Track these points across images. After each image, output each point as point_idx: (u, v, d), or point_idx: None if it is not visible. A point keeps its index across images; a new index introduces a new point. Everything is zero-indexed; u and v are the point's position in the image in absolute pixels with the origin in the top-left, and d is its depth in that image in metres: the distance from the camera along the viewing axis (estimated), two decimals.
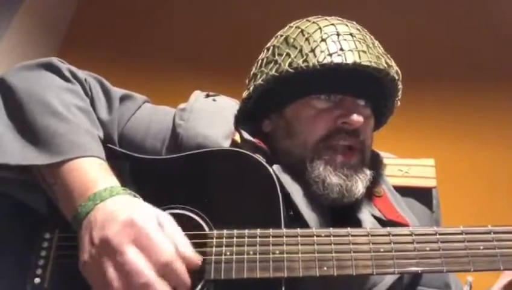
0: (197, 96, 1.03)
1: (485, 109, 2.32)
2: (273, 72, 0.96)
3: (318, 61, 0.91)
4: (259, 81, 0.98)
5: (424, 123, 2.29)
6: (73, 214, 0.77)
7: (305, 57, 0.93)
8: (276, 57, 0.97)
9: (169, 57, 2.41)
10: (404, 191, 1.04)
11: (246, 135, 0.97)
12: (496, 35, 2.40)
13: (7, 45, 2.13)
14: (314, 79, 0.94)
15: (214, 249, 0.78)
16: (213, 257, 0.77)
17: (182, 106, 1.00)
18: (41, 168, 0.83)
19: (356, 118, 0.91)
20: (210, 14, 2.49)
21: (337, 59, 0.91)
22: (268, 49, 1.03)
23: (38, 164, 0.81)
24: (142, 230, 0.71)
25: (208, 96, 1.04)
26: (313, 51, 0.93)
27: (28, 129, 0.83)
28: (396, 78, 0.97)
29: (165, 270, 0.71)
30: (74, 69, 0.96)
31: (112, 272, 0.70)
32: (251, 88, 1.00)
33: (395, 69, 0.97)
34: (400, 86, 1.00)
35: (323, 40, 0.94)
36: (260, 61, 1.03)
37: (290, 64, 0.94)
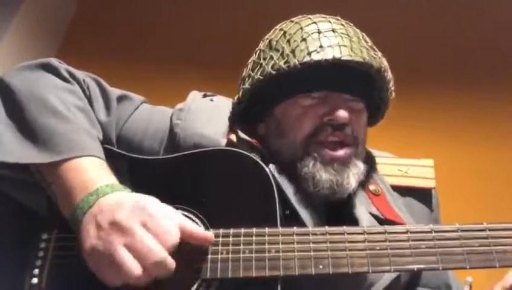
0: (195, 96, 1.03)
1: (485, 110, 2.31)
2: (258, 75, 0.97)
3: (298, 61, 0.93)
4: (247, 85, 1.00)
5: (423, 123, 2.28)
6: (74, 210, 0.77)
7: (286, 58, 0.94)
8: (261, 60, 0.99)
9: (167, 57, 2.41)
10: (403, 190, 1.04)
11: (242, 135, 0.97)
12: (495, 35, 2.39)
13: (7, 45, 2.13)
14: (299, 78, 0.95)
15: (210, 248, 0.78)
16: (209, 256, 0.78)
17: (179, 106, 1.00)
18: (40, 167, 0.83)
19: (341, 113, 0.91)
20: (209, 14, 2.49)
21: (316, 56, 0.92)
22: (255, 53, 1.04)
23: (38, 163, 0.82)
24: (150, 214, 0.74)
25: (205, 96, 1.04)
26: (293, 51, 0.94)
27: (27, 128, 0.84)
28: (382, 68, 0.96)
29: (172, 252, 0.73)
30: (72, 69, 0.96)
31: (124, 252, 0.71)
32: (240, 92, 1.01)
33: (379, 60, 0.96)
34: (389, 77, 0.99)
35: (303, 39, 0.95)
36: (249, 64, 1.05)
37: (272, 67, 0.95)
